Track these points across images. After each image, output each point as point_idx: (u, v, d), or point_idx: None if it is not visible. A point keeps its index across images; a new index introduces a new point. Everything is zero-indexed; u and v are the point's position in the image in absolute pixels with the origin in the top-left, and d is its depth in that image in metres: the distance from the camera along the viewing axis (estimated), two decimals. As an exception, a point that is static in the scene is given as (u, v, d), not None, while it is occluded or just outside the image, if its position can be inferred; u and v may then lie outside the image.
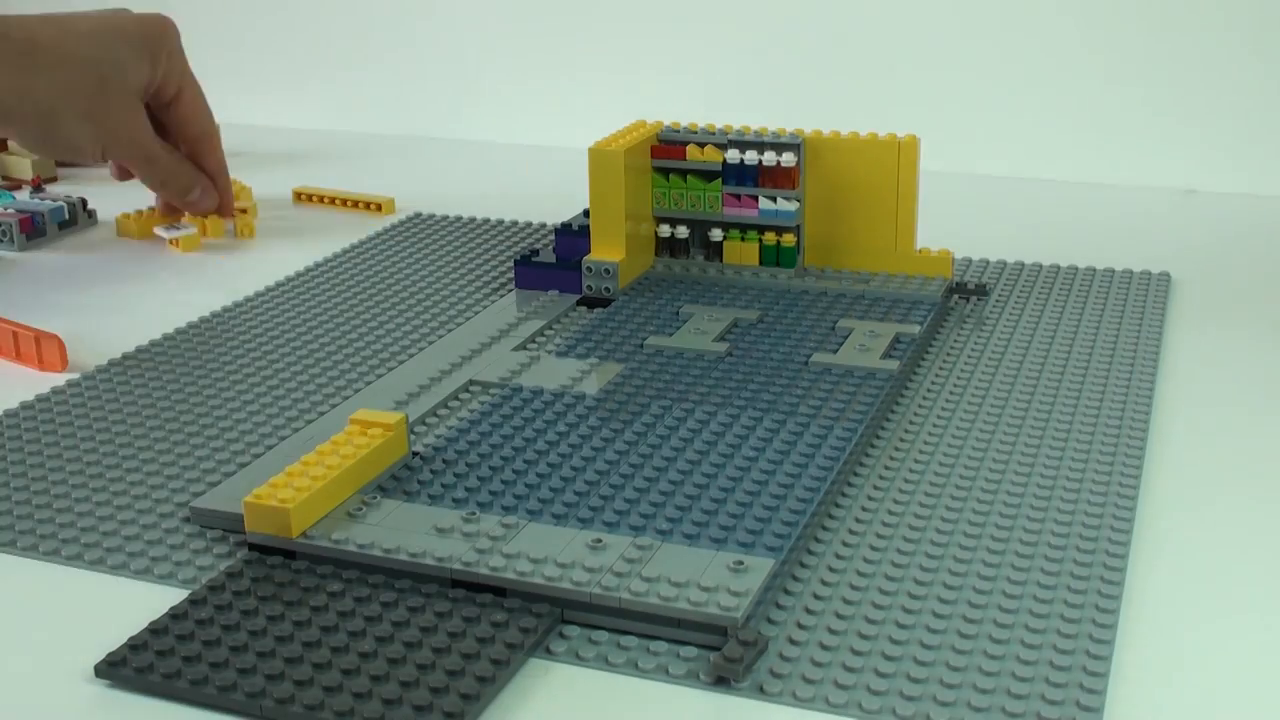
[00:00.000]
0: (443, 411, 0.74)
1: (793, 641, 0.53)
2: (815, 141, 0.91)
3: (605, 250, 0.91)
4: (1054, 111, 1.27)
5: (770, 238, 0.92)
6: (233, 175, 1.26)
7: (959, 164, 1.21)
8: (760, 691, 0.50)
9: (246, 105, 1.54)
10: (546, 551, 0.57)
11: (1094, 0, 1.24)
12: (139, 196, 1.17)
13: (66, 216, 1.11)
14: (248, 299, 0.94)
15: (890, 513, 0.63)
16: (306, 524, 0.59)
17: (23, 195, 1.18)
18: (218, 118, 1.40)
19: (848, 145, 0.90)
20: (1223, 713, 0.50)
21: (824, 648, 0.52)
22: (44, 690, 0.52)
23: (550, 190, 1.19)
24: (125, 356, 0.83)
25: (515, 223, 1.13)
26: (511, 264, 0.99)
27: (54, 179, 1.28)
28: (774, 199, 0.91)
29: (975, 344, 0.83)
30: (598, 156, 0.90)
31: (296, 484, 0.60)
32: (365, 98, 1.53)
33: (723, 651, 0.51)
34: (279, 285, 0.97)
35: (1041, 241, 1.05)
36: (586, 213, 0.93)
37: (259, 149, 1.42)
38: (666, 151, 0.93)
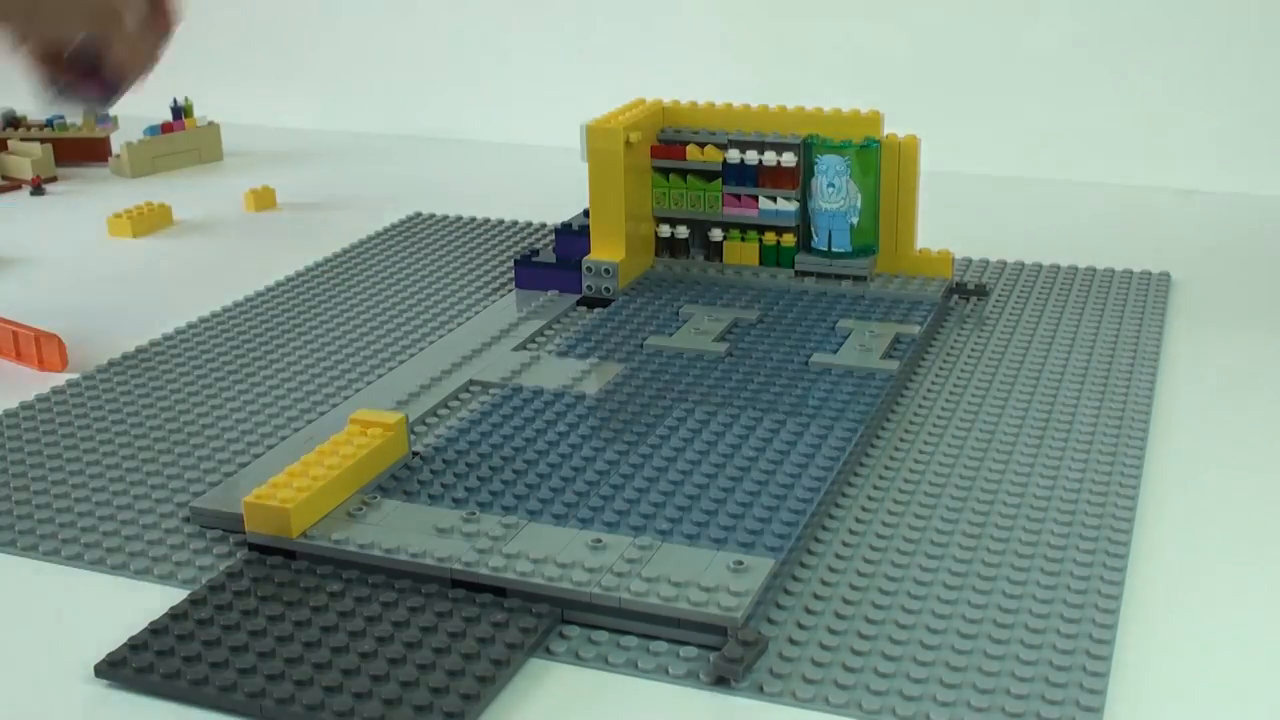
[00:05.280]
0: (443, 411, 0.74)
1: (793, 641, 0.53)
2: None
3: (605, 250, 0.91)
4: (1054, 111, 1.27)
5: (770, 238, 0.92)
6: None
7: (959, 164, 1.21)
8: (760, 691, 0.50)
9: (245, 105, 1.54)
10: (547, 551, 0.57)
11: (1094, 0, 1.24)
12: (133, 196, 1.17)
13: None
14: (248, 299, 0.94)
15: (890, 513, 0.63)
16: (306, 524, 0.59)
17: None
18: (217, 118, 1.41)
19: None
20: (1223, 713, 0.50)
21: (824, 648, 0.52)
22: (44, 690, 0.52)
23: (550, 190, 1.19)
24: (125, 356, 0.83)
25: (515, 223, 1.13)
26: (511, 264, 0.99)
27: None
28: (774, 199, 0.91)
29: (975, 344, 0.83)
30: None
31: (296, 484, 0.60)
32: (364, 98, 1.53)
33: (723, 651, 0.51)
34: (279, 285, 0.97)
35: (1041, 241, 1.05)
36: (586, 213, 0.93)
37: (258, 149, 1.42)
38: (666, 151, 0.92)
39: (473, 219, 1.14)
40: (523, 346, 0.83)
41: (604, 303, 0.90)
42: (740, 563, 0.55)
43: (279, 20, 1.56)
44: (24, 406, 0.76)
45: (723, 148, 0.91)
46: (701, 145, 0.92)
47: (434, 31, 1.49)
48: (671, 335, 0.83)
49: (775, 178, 0.91)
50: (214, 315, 0.90)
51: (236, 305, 0.92)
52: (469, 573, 0.56)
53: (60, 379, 0.80)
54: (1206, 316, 0.89)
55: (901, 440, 0.70)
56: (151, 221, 1.12)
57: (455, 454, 0.67)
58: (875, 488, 0.65)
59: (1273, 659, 0.53)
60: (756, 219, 0.92)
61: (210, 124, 1.38)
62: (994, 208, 1.18)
